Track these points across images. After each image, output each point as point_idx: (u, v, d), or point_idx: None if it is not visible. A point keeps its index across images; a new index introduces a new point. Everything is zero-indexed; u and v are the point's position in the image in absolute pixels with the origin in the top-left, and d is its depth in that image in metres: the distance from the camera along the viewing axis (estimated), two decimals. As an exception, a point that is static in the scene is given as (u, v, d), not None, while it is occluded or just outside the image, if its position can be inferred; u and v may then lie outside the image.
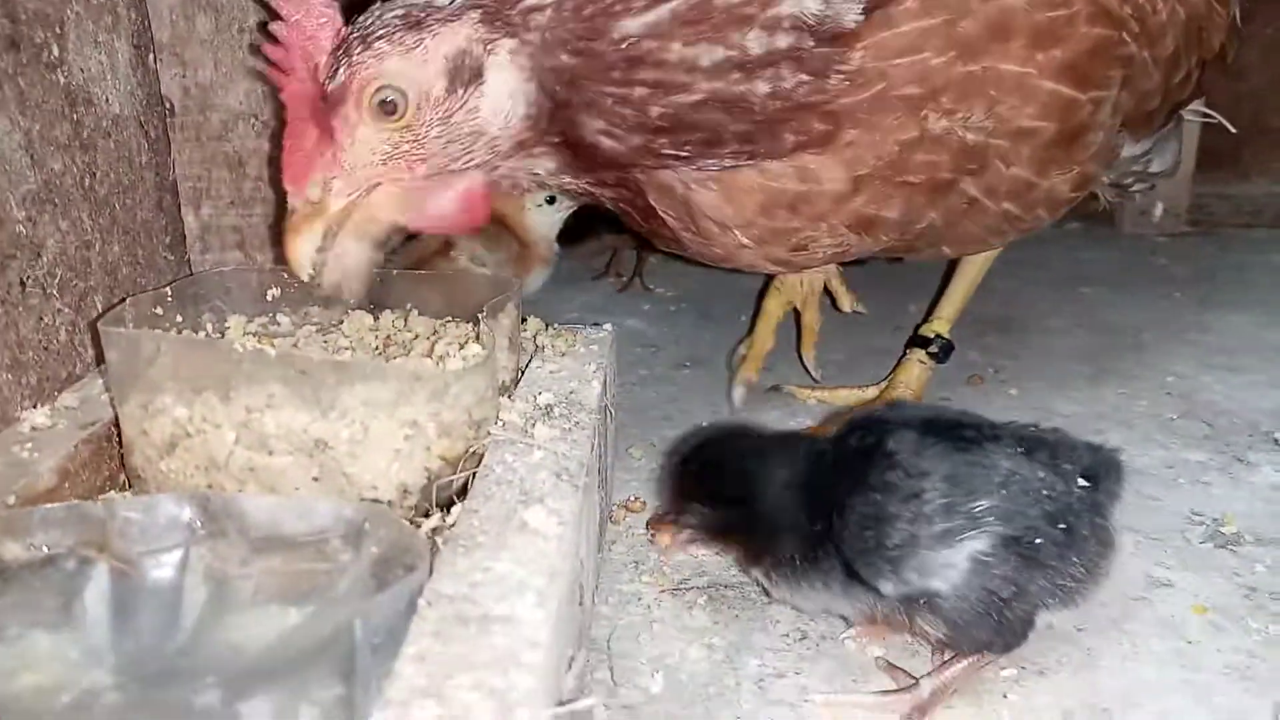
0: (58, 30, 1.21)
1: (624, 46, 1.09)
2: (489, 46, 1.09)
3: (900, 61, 1.15)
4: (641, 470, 1.52)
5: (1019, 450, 1.03)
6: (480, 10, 1.09)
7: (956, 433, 1.06)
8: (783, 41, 1.12)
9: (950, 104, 1.20)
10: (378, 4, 1.10)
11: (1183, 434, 1.66)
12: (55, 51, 1.21)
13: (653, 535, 1.29)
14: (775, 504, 1.10)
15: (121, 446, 1.09)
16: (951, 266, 1.78)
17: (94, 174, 1.28)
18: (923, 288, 2.08)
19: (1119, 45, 1.27)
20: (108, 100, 1.31)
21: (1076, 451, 1.06)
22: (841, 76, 1.15)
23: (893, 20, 1.14)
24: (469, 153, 1.15)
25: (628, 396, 1.80)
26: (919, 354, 1.71)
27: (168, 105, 1.41)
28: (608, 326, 1.45)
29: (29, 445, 1.03)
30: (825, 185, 1.21)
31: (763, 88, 1.13)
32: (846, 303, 1.90)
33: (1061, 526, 0.99)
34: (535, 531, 0.84)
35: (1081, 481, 1.03)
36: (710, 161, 1.19)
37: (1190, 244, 2.89)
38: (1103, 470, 1.06)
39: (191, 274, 1.49)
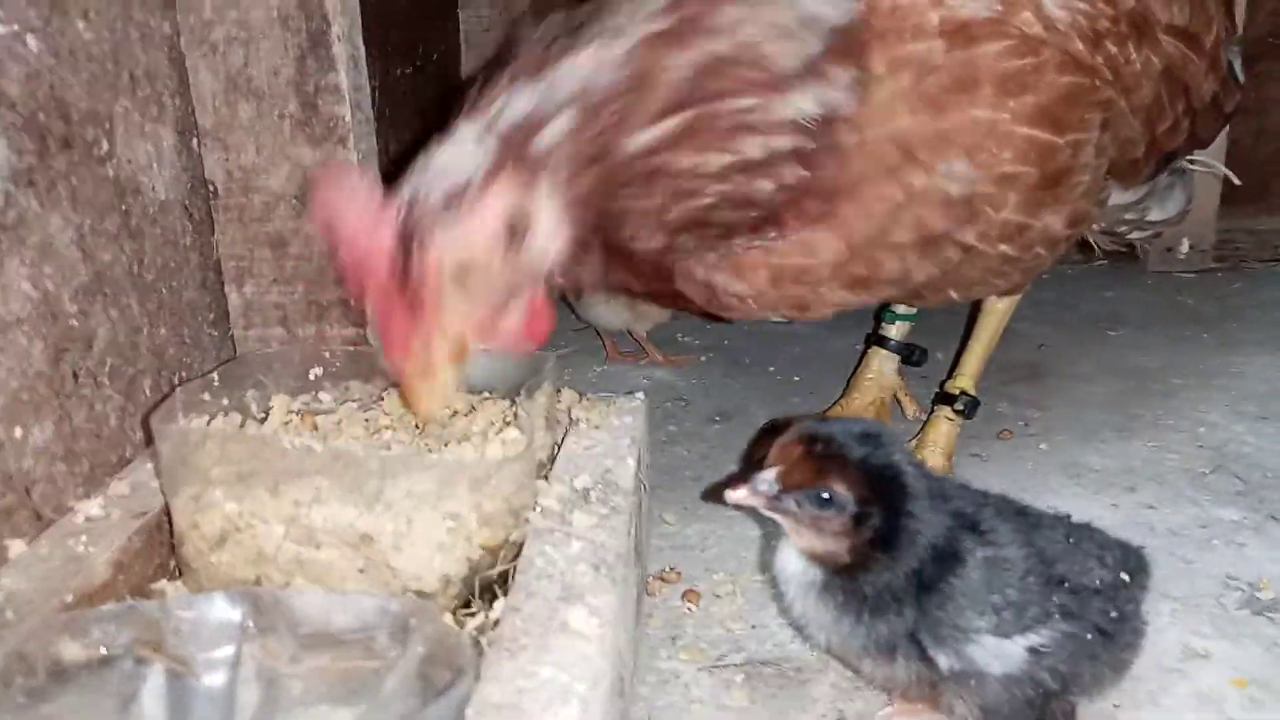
0: (107, 126, 1.25)
1: (636, 162, 1.14)
2: (529, 194, 1.14)
3: (879, 129, 1.19)
4: (675, 536, 1.53)
5: (1070, 540, 1.06)
6: (509, 163, 1.14)
7: (1024, 520, 1.09)
8: (783, 144, 1.17)
9: (929, 159, 1.23)
10: (415, 170, 1.15)
11: (1215, 490, 1.66)
12: (105, 146, 1.25)
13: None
14: (912, 537, 1.04)
15: (172, 535, 1.13)
16: (974, 314, 1.79)
17: (142, 260, 1.32)
18: (949, 334, 2.09)
19: (1093, 91, 1.29)
20: (154, 188, 1.35)
21: (1113, 548, 1.09)
22: (834, 157, 1.19)
23: (867, 91, 1.18)
24: (534, 280, 1.21)
25: (659, 455, 1.82)
26: (946, 411, 1.72)
27: (211, 187, 1.45)
28: (640, 395, 1.47)
29: (83, 538, 1.07)
30: (823, 257, 1.27)
31: (767, 185, 1.19)
32: (910, 410, 1.97)
33: (1113, 615, 1.01)
34: (577, 633, 0.86)
35: (1124, 576, 1.04)
36: (725, 248, 1.27)
37: (1217, 281, 2.88)
38: (1137, 567, 1.08)
39: (235, 350, 1.53)
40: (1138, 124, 1.38)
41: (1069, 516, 1.15)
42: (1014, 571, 1.02)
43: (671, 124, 1.13)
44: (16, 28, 1.09)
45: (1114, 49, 1.29)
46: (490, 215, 1.13)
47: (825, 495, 1.01)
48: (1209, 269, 3.00)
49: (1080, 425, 1.92)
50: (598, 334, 2.45)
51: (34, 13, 1.12)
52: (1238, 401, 2.01)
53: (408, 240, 1.13)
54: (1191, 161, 1.77)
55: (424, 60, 2.66)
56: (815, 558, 1.06)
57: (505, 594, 0.99)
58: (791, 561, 1.09)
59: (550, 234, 1.17)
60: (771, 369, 2.30)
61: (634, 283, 1.32)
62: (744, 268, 1.30)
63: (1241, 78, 1.71)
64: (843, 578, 1.05)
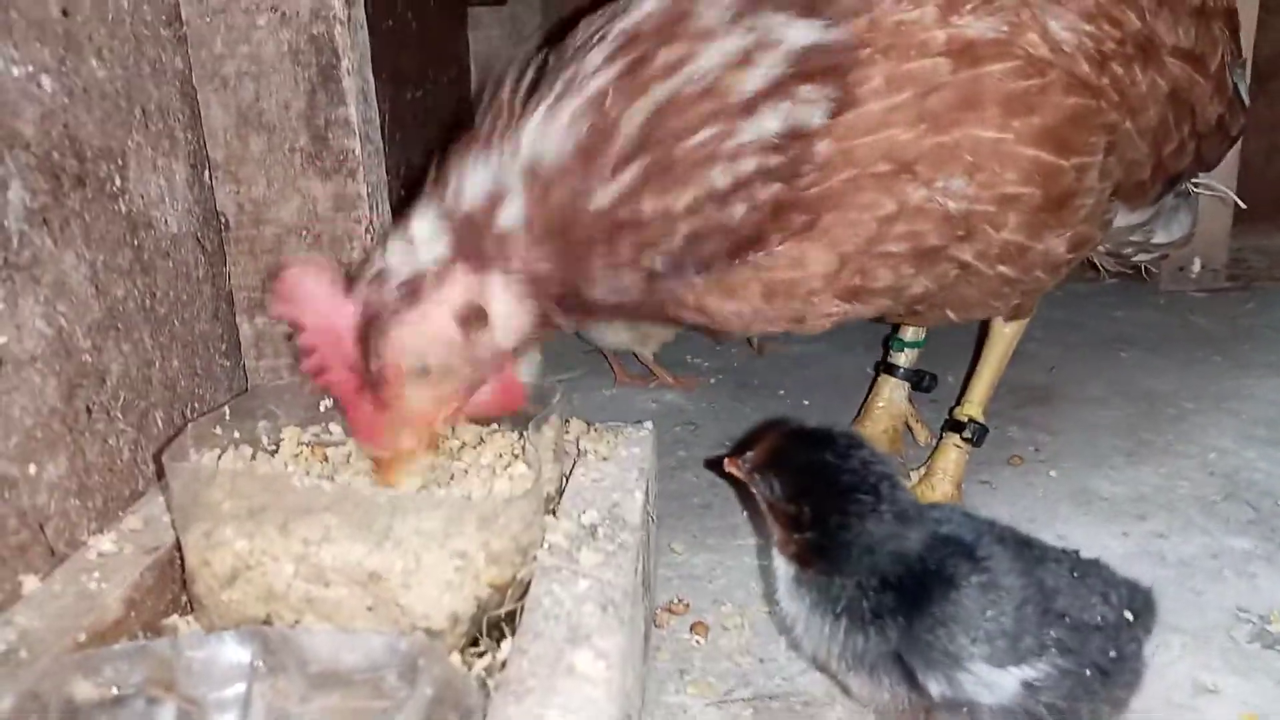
0: (119, 162, 1.27)
1: (598, 222, 1.15)
2: (482, 288, 1.18)
3: (866, 140, 1.19)
4: (683, 566, 1.53)
5: (1074, 575, 1.05)
6: (462, 259, 1.17)
7: (1026, 552, 1.09)
8: (749, 166, 1.16)
9: (927, 173, 1.23)
10: (368, 268, 1.20)
11: (1226, 518, 1.65)
12: (118, 182, 1.26)
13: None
14: (866, 566, 1.09)
15: (184, 570, 1.13)
16: (983, 336, 1.79)
17: (154, 294, 1.33)
18: (960, 357, 2.09)
19: (1099, 113, 1.29)
20: (166, 221, 1.36)
21: (1119, 586, 1.08)
22: (811, 168, 1.19)
23: (857, 101, 1.18)
24: (496, 362, 1.26)
25: (668, 482, 1.82)
26: (954, 439, 1.72)
27: (223, 220, 1.47)
28: (648, 425, 1.47)
29: (96, 575, 1.07)
30: (812, 268, 1.26)
31: (739, 209, 1.18)
32: (922, 437, 1.98)
33: (1113, 654, 1.01)
34: (584, 676, 0.87)
35: (1128, 615, 1.04)
36: (712, 271, 1.25)
37: (1229, 301, 2.87)
38: (1143, 607, 1.07)
39: (247, 380, 1.54)
40: (1144, 146, 1.38)
41: (1077, 551, 1.14)
42: (1009, 601, 1.03)
43: (631, 174, 1.14)
44: (31, 69, 1.10)
45: (1120, 71, 1.29)
46: (445, 310, 1.18)
47: (769, 481, 1.14)
48: (1221, 288, 2.99)
49: (1091, 451, 1.92)
50: (605, 356, 2.46)
51: (49, 53, 1.13)
52: (1249, 426, 2.01)
53: (367, 336, 1.18)
54: (1197, 184, 1.77)
55: (434, 83, 2.68)
56: (780, 548, 1.16)
57: (513, 632, 0.99)
58: (779, 556, 1.17)
59: (508, 319, 1.21)
60: (781, 392, 2.30)
61: (625, 316, 1.32)
62: (735, 287, 1.28)
63: (1247, 100, 1.71)
64: (813, 577, 1.12)
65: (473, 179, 1.17)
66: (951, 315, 1.49)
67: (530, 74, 1.21)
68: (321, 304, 1.20)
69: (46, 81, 1.12)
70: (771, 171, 1.17)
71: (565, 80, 1.17)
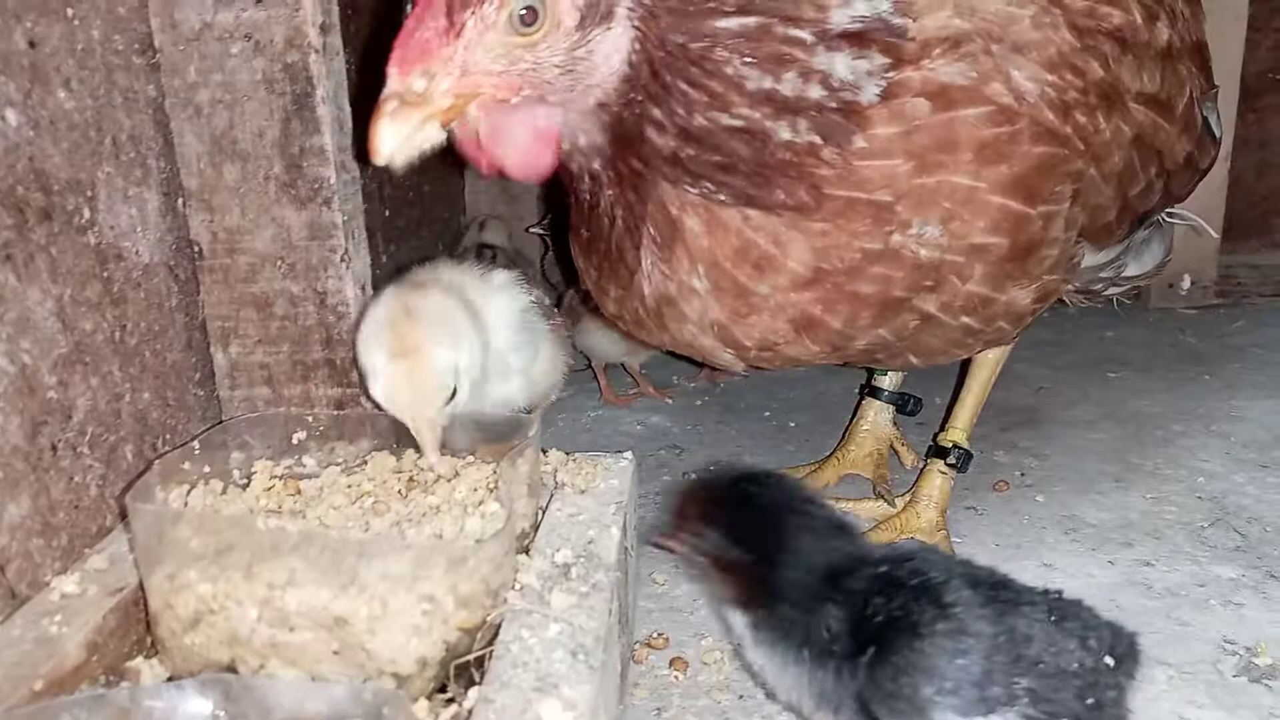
0: (89, 193, 1.25)
1: (700, 43, 1.13)
2: (613, 5, 1.12)
3: (874, 164, 1.18)
4: (664, 598, 1.51)
5: (1051, 619, 1.03)
6: None
7: (999, 596, 1.06)
8: (813, 93, 1.16)
9: (906, 215, 1.22)
10: None
11: (1213, 545, 1.63)
12: (87, 214, 1.25)
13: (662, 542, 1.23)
14: (813, 592, 1.08)
15: (148, 611, 1.11)
16: (967, 361, 1.77)
17: (124, 326, 1.32)
18: (945, 380, 2.07)
19: (1065, 161, 1.28)
20: (138, 251, 1.35)
21: (1101, 629, 1.06)
22: (838, 158, 1.18)
23: (871, 123, 1.18)
24: (569, 91, 1.15)
25: (651, 509, 1.81)
26: (939, 465, 1.70)
27: (196, 248, 1.45)
28: (627, 456, 1.46)
29: (57, 618, 1.05)
30: (789, 261, 1.23)
31: (783, 131, 1.16)
32: (908, 461, 1.96)
33: (1089, 702, 0.99)
34: (550, 729, 0.85)
35: (1108, 660, 1.02)
36: (713, 188, 1.20)
37: (1219, 318, 2.86)
38: (1126, 653, 1.05)
39: (221, 410, 1.52)
40: (1109, 190, 1.37)
41: (1059, 593, 1.12)
42: (978, 648, 1.00)
43: (737, 22, 1.13)
44: (-6, 103, 1.09)
45: (1083, 119, 1.28)
46: None
47: (709, 538, 1.13)
48: (1211, 305, 2.98)
49: (1078, 475, 1.90)
50: (594, 374, 2.46)
51: (14, 86, 1.11)
52: (1238, 448, 1.99)
53: None
54: (1170, 214, 1.75)
55: (420, 102, 2.66)
56: (735, 605, 1.14)
57: (483, 678, 0.97)
58: (734, 613, 1.16)
59: (612, 50, 1.13)
60: (767, 414, 2.29)
61: (603, 187, 1.25)
62: (716, 223, 1.23)
63: (1219, 132, 1.70)
64: (770, 620, 1.10)
65: None
66: (914, 361, 1.47)
67: None
68: None
69: (11, 115, 1.11)
70: (820, 118, 1.16)
71: None
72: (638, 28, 1.13)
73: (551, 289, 2.76)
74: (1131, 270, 1.63)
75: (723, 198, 1.21)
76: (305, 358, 1.48)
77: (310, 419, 1.36)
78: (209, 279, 1.46)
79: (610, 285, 1.37)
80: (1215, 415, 2.16)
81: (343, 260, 1.42)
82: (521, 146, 1.20)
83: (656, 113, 1.16)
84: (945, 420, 1.77)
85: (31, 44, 1.15)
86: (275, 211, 1.42)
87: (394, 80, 1.07)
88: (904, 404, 1.94)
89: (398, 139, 1.08)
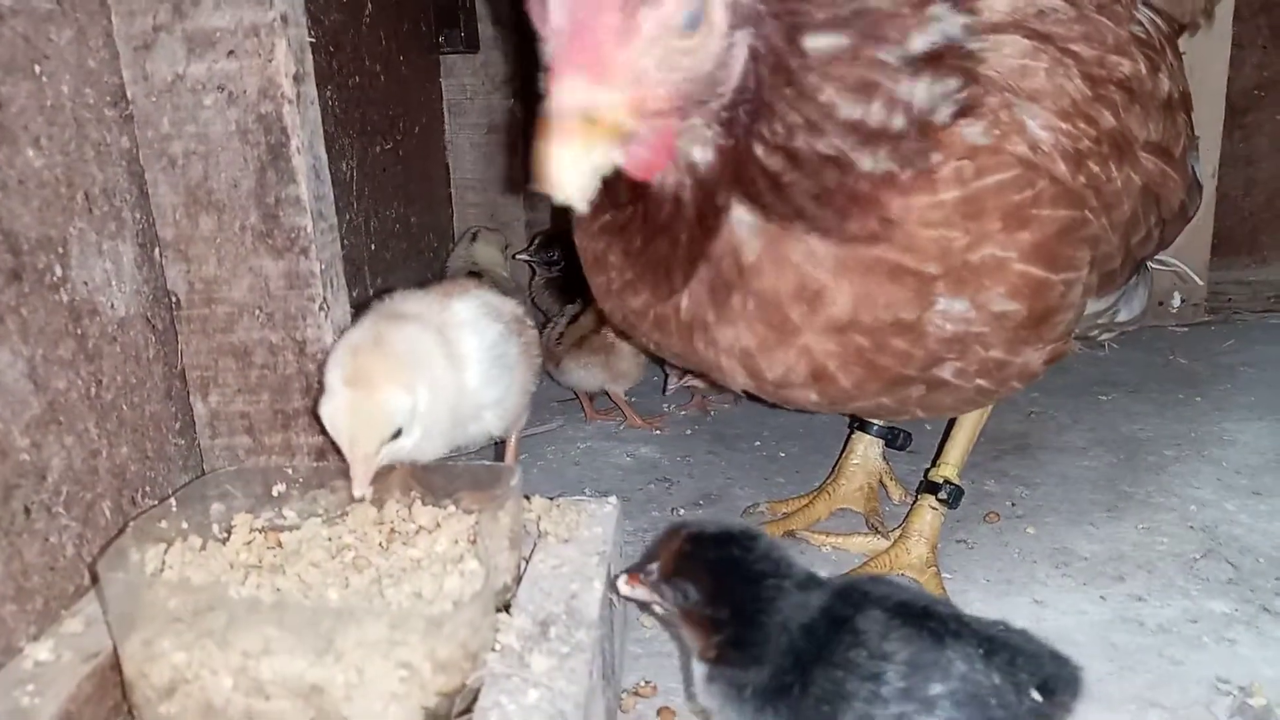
0: (60, 250, 1.24)
1: (802, 62, 1.09)
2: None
3: (931, 233, 1.17)
4: (652, 643, 1.50)
5: (980, 651, 1.04)
6: None
7: (923, 622, 1.07)
8: (897, 122, 1.13)
9: (940, 291, 1.21)
10: None
11: (1206, 577, 1.62)
12: (58, 272, 1.23)
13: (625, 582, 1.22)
14: (767, 637, 1.10)
15: (123, 678, 1.10)
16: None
17: (100, 381, 1.30)
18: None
19: (1084, 225, 1.27)
20: (113, 305, 1.33)
21: (1039, 660, 1.06)
22: (906, 195, 1.16)
23: (935, 186, 1.17)
24: (702, 98, 1.08)
25: (640, 546, 1.79)
26: (930, 500, 1.69)
27: (174, 299, 1.43)
28: (612, 501, 1.44)
29: (30, 688, 1.03)
30: (834, 303, 1.21)
31: (865, 160, 1.14)
32: (896, 495, 1.94)
33: None
34: (527, 807, 0.83)
35: (1035, 695, 1.02)
36: (799, 217, 1.17)
37: (1210, 336, 2.85)
38: (1060, 684, 1.05)
39: (202, 459, 1.50)
40: (1116, 239, 1.37)
41: (1003, 624, 1.12)
42: (891, 669, 1.03)
43: (831, 41, 1.09)
44: (-39, 166, 1.07)
45: (1096, 169, 1.28)
46: None
47: (680, 588, 1.13)
48: (1201, 322, 2.98)
49: (1069, 506, 1.89)
50: (579, 400, 2.47)
51: (-20, 148, 1.10)
52: (1230, 475, 1.98)
53: None
54: (1156, 261, 1.76)
55: (405, 134, 2.67)
56: (700, 654, 1.15)
57: (461, 745, 0.95)
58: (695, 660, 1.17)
59: (740, 57, 1.07)
60: (757, 444, 2.27)
61: (689, 194, 1.18)
62: (779, 261, 1.19)
63: (1202, 181, 1.71)
64: (724, 670, 1.12)
65: None
66: (920, 414, 1.46)
67: None
68: None
69: (-22, 177, 1.10)
70: (899, 148, 1.14)
71: None
72: (755, 33, 1.07)
73: (544, 316, 2.76)
74: (1123, 316, 1.63)
75: (804, 227, 1.17)
76: (285, 406, 1.46)
77: (290, 470, 1.35)
78: (187, 329, 1.45)
79: (644, 291, 1.33)
80: (1207, 439, 2.16)
81: (321, 309, 1.41)
82: (649, 151, 1.11)
83: (764, 130, 1.11)
84: (937, 455, 1.76)
85: (-1, 104, 1.14)
86: (252, 261, 1.41)
87: (570, 90, 0.95)
88: (893, 438, 1.92)
89: (584, 166, 0.98)
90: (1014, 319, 1.25)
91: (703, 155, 1.16)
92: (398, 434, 1.27)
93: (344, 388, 1.27)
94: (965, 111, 1.17)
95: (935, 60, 1.15)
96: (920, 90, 1.14)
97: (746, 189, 1.16)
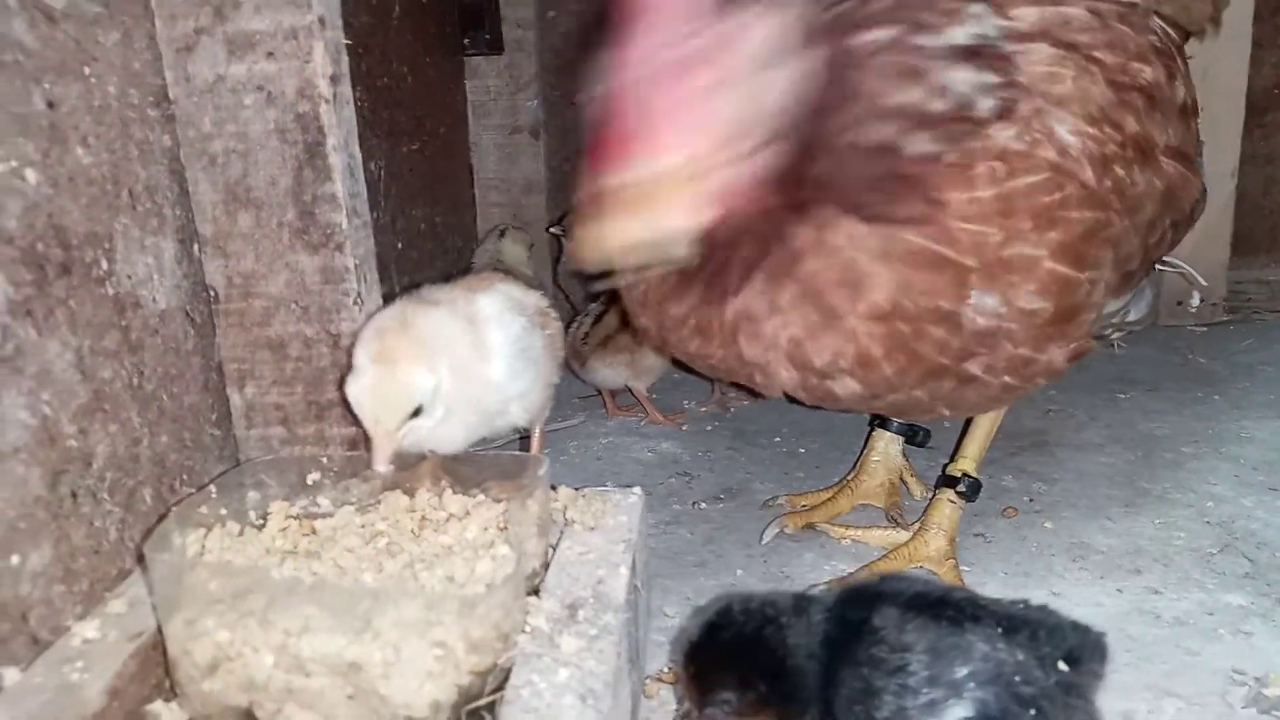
0: (106, 245, 1.28)
1: (851, 60, 1.16)
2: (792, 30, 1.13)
3: (970, 227, 1.21)
4: (675, 631, 1.53)
5: (999, 630, 1.05)
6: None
7: (940, 611, 1.09)
8: (938, 106, 1.19)
9: (974, 284, 1.25)
10: None
11: (1222, 571, 1.64)
12: (104, 265, 1.28)
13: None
14: (804, 672, 1.11)
15: (166, 656, 1.14)
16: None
17: (142, 372, 1.35)
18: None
19: (1108, 226, 1.31)
20: (155, 299, 1.38)
21: (1060, 632, 1.08)
22: (954, 173, 1.21)
23: (972, 183, 1.21)
24: (759, 133, 1.14)
25: (661, 539, 1.82)
26: (948, 494, 1.72)
27: (212, 293, 1.48)
28: (636, 491, 1.47)
29: (79, 665, 1.08)
30: (876, 289, 1.25)
31: (915, 144, 1.19)
32: (917, 492, 1.97)
33: (1033, 713, 1.01)
34: (560, 778, 0.86)
35: (1062, 665, 1.04)
36: (854, 205, 1.22)
37: (1229, 335, 2.86)
38: (1085, 653, 1.07)
39: (238, 449, 1.55)
40: (1136, 240, 1.40)
41: (1023, 603, 1.14)
42: (913, 659, 1.04)
43: (877, 35, 1.17)
44: (15, 163, 1.12)
45: (1121, 173, 1.31)
46: (780, 20, 1.11)
47: (720, 703, 1.10)
48: (1220, 321, 2.99)
49: (1087, 501, 1.91)
50: (600, 396, 2.51)
51: (33, 147, 1.15)
52: (1247, 471, 2.00)
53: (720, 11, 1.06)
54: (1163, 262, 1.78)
55: (430, 135, 2.71)
56: None
57: (494, 721, 0.99)
58: None
59: (796, 73, 1.13)
60: (777, 439, 2.30)
61: (748, 215, 1.20)
62: (825, 249, 1.23)
63: (1221, 181, 1.74)
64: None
65: None
66: (946, 413, 1.50)
67: None
68: None
69: (31, 175, 1.14)
70: (945, 130, 1.19)
71: None
72: (807, 48, 1.14)
73: (566, 301, 2.81)
74: (1133, 315, 1.65)
75: (855, 214, 1.22)
76: (319, 398, 1.50)
77: (325, 460, 1.39)
78: (225, 322, 1.49)
79: (689, 297, 1.36)
80: (1224, 437, 2.17)
81: (355, 303, 1.45)
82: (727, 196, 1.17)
83: (819, 133, 1.17)
84: (955, 450, 1.78)
85: (50, 104, 1.18)
86: (289, 257, 1.45)
87: (614, 169, 1.04)
88: (913, 435, 1.95)
89: (631, 242, 1.09)
90: (1042, 315, 1.29)
91: (762, 174, 1.18)
92: (419, 412, 1.31)
93: (369, 365, 1.31)
94: (1003, 114, 1.22)
95: (974, 54, 1.21)
96: (961, 77, 1.20)
97: (805, 194, 1.21)
